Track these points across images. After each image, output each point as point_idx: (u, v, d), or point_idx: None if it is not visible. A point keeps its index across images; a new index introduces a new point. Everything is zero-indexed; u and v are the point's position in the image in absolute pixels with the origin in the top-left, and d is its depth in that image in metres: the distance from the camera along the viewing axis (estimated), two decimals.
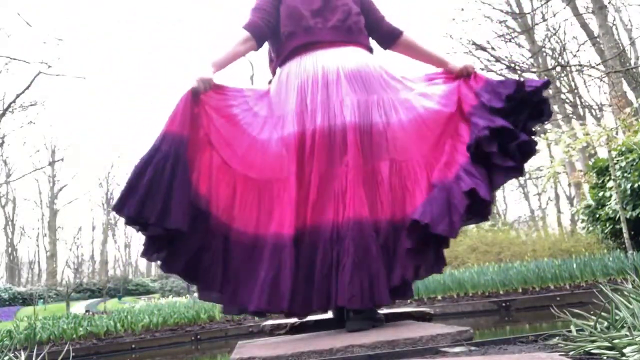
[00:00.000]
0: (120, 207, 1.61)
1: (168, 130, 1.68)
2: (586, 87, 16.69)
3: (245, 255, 1.72)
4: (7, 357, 1.86)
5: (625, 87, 11.07)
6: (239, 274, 1.71)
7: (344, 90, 1.79)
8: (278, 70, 1.96)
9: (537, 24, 14.67)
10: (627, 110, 6.88)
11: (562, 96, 16.04)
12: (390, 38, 2.06)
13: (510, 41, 16.60)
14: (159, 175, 1.62)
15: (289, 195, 1.71)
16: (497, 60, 15.22)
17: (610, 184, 6.78)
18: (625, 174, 6.66)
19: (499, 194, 27.80)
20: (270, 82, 2.01)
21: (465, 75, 1.92)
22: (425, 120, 1.83)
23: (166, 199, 1.61)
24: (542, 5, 13.11)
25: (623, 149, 6.84)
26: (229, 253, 1.73)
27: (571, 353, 1.10)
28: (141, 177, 1.62)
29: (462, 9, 14.08)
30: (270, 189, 1.76)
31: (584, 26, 13.09)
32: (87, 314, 8.79)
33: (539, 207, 26.95)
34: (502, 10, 15.79)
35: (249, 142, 1.80)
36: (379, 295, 1.61)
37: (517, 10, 15.44)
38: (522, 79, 1.82)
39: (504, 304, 4.82)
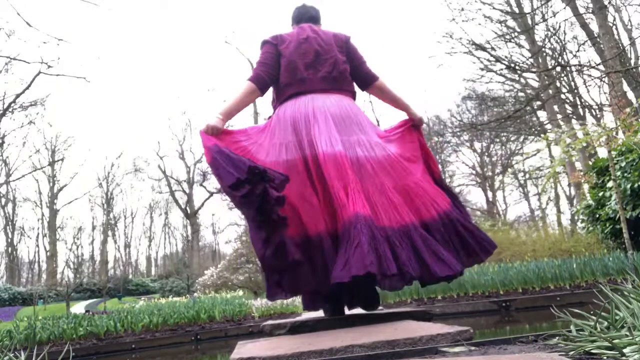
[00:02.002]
0: (254, 168, 1.81)
1: (213, 144, 1.98)
2: (586, 87, 16.67)
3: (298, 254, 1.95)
4: (7, 357, 1.86)
5: (625, 87, 11.08)
6: (297, 270, 1.96)
7: (332, 129, 2.12)
8: (277, 108, 2.32)
9: (537, 24, 14.70)
10: (627, 110, 6.87)
11: (562, 96, 16.05)
12: (367, 82, 2.43)
13: (510, 41, 16.64)
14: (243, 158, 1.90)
15: (313, 205, 1.99)
16: (497, 60, 15.24)
17: (610, 184, 6.79)
18: (625, 174, 6.66)
19: (499, 194, 27.82)
20: (269, 118, 2.36)
21: (419, 124, 2.42)
22: (395, 157, 2.21)
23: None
24: (542, 5, 13.13)
25: (623, 149, 6.84)
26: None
27: (571, 353, 1.10)
28: (238, 157, 1.89)
29: (462, 9, 14.08)
30: (299, 200, 2.02)
31: (584, 26, 13.10)
32: (87, 314, 8.79)
33: (539, 207, 26.96)
34: (502, 10, 15.80)
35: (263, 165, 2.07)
36: (389, 266, 1.79)
37: (517, 10, 15.45)
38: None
39: (504, 304, 4.82)
